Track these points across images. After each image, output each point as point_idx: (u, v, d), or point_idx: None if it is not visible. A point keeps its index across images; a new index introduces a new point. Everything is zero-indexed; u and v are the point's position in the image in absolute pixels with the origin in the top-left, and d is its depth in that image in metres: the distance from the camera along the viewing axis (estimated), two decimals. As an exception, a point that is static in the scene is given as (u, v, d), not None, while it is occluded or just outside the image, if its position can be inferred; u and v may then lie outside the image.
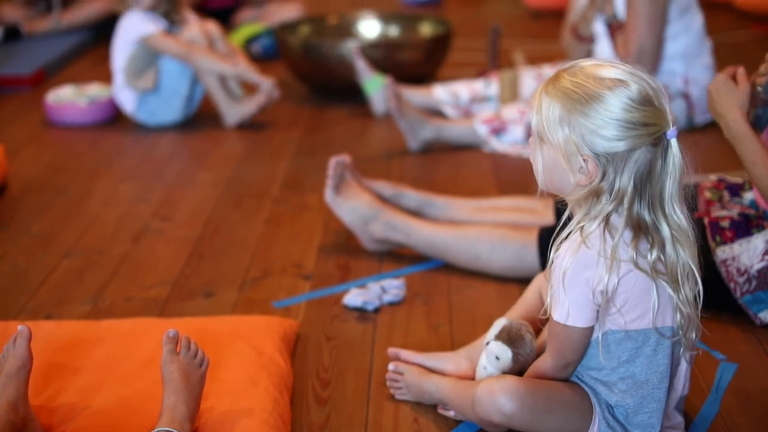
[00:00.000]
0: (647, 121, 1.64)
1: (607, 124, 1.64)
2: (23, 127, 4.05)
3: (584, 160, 1.66)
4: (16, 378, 1.80)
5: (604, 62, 1.70)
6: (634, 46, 3.48)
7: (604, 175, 1.67)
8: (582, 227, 1.68)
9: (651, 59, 3.49)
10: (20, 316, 2.43)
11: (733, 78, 2.23)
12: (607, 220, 1.67)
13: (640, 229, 1.68)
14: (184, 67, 3.91)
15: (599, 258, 1.66)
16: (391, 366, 2.06)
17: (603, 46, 3.72)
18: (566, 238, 1.70)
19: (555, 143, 1.68)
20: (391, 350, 2.15)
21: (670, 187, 1.68)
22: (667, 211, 1.69)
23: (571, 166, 1.68)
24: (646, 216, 1.68)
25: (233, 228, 2.99)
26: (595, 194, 1.68)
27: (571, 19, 3.97)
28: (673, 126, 1.66)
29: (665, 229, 1.69)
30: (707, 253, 2.28)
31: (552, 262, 1.72)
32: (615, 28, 3.62)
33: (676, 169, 1.67)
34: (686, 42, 3.63)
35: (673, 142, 1.66)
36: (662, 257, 1.69)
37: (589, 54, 3.84)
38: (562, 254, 1.69)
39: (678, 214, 1.69)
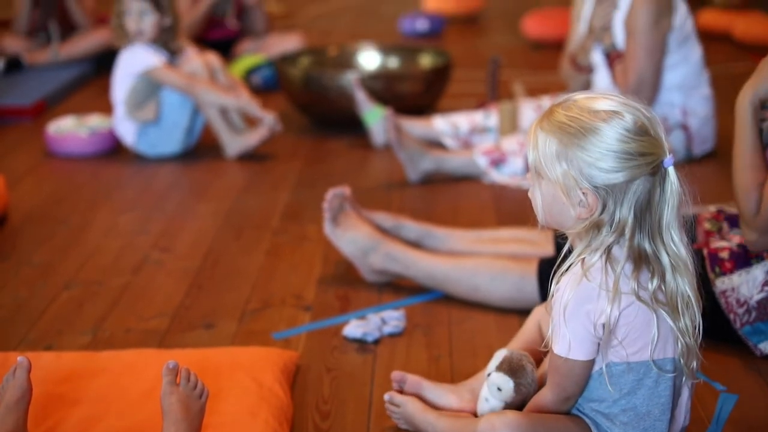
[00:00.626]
0: (644, 151, 1.65)
1: (605, 156, 1.64)
2: (24, 158, 4.06)
3: (583, 193, 1.67)
4: (15, 409, 1.80)
5: (598, 94, 1.71)
6: (634, 76, 3.50)
7: (604, 207, 1.67)
8: (583, 260, 1.69)
9: (650, 89, 3.51)
10: (20, 347, 2.43)
11: None
12: (608, 252, 1.68)
13: (641, 260, 1.68)
14: (185, 99, 3.92)
15: (600, 291, 1.66)
16: (386, 396, 2.03)
17: (601, 75, 3.73)
18: (567, 270, 1.70)
19: (553, 178, 1.69)
20: (396, 374, 2.11)
21: (668, 214, 1.68)
22: (665, 239, 1.69)
23: (571, 200, 1.68)
24: (647, 246, 1.69)
25: (233, 259, 2.99)
26: (596, 227, 1.68)
27: (569, 48, 3.99)
28: (669, 154, 1.67)
29: (665, 258, 1.69)
30: (707, 284, 2.28)
31: (552, 294, 1.72)
32: (613, 57, 3.64)
33: (674, 196, 1.67)
34: (685, 72, 3.64)
35: (671, 170, 1.67)
36: (662, 286, 1.69)
37: (588, 84, 3.85)
38: (563, 287, 1.69)
39: (676, 243, 1.69)
